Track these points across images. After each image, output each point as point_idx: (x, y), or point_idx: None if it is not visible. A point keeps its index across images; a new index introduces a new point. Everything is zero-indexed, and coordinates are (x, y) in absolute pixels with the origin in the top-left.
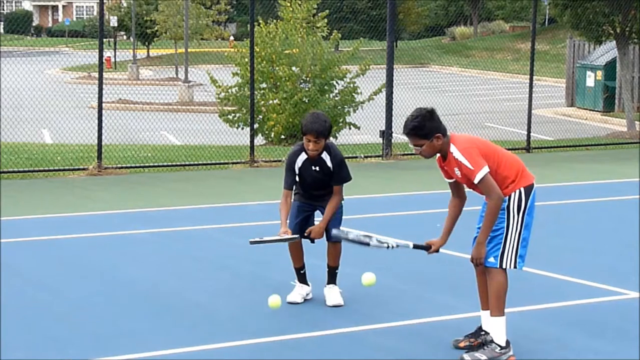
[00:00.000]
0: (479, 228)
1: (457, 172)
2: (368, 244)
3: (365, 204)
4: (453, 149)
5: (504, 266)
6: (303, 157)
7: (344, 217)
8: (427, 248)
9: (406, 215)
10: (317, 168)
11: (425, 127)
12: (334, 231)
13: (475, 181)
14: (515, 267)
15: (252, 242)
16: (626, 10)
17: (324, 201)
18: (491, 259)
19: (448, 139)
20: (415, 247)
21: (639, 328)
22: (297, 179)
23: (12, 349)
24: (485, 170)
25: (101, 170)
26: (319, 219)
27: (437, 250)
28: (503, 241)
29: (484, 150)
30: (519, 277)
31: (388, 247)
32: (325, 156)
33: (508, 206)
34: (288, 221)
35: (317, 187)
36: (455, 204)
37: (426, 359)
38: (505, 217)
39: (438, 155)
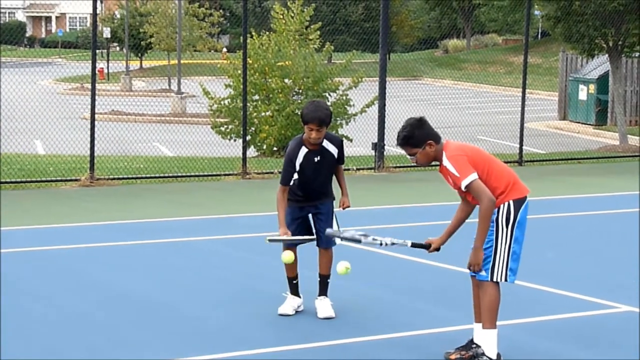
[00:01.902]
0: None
1: (450, 180)
2: (360, 241)
3: (357, 216)
4: (444, 158)
5: (494, 279)
6: (304, 150)
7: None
8: (426, 247)
9: (399, 227)
10: (319, 157)
11: (415, 135)
12: (328, 230)
13: (462, 187)
14: (506, 280)
15: (270, 240)
16: (618, 23)
17: (318, 199)
18: (482, 272)
19: (441, 146)
20: (414, 245)
21: (637, 341)
22: (296, 174)
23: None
24: (473, 177)
25: (93, 181)
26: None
27: (437, 249)
28: (493, 254)
29: (473, 159)
30: (510, 290)
31: (381, 244)
32: (326, 143)
33: (497, 219)
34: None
35: (317, 180)
36: (463, 208)
37: None
38: (494, 229)
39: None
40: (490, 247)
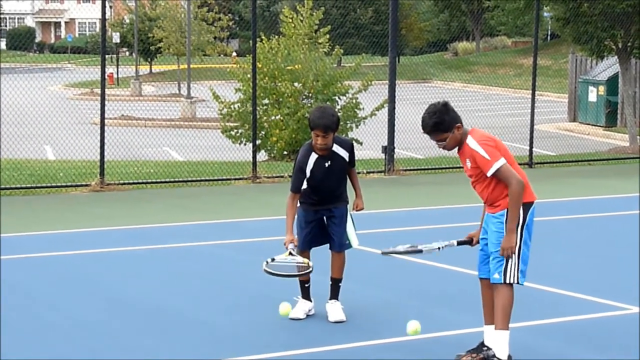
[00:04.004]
0: (484, 242)
1: (468, 164)
2: (421, 251)
3: (368, 219)
4: (470, 139)
5: (508, 281)
6: (314, 157)
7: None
8: (470, 242)
9: (410, 230)
10: (330, 163)
11: (445, 120)
12: (384, 249)
13: (492, 171)
14: (517, 282)
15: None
16: (627, 25)
17: (332, 203)
18: (495, 275)
19: (465, 130)
20: (459, 243)
21: None
22: (307, 181)
23: None
24: (502, 161)
25: (103, 186)
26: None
27: (478, 242)
28: (505, 256)
29: (499, 149)
30: (520, 292)
31: (439, 249)
32: (336, 148)
33: (506, 220)
34: (297, 239)
35: (329, 185)
36: None
37: None
38: (504, 231)
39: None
40: (500, 249)
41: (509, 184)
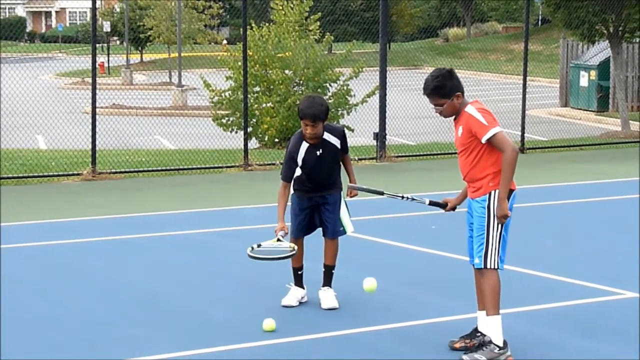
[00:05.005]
0: (470, 227)
1: (460, 131)
2: (382, 193)
3: (359, 206)
4: (469, 107)
5: (488, 266)
6: (305, 145)
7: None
8: (443, 206)
9: (401, 217)
10: (321, 151)
11: (447, 86)
12: (350, 185)
13: (488, 136)
14: (497, 267)
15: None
16: (619, 9)
17: (325, 190)
18: (476, 260)
19: (465, 100)
20: (431, 203)
21: (638, 327)
22: (300, 169)
23: (8, 355)
24: (499, 129)
25: (95, 175)
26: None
27: (453, 209)
28: (485, 241)
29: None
30: (513, 278)
31: (402, 197)
32: (327, 136)
33: (488, 205)
34: (290, 226)
35: (322, 172)
36: None
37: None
38: (486, 216)
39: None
40: (482, 234)
41: (504, 150)
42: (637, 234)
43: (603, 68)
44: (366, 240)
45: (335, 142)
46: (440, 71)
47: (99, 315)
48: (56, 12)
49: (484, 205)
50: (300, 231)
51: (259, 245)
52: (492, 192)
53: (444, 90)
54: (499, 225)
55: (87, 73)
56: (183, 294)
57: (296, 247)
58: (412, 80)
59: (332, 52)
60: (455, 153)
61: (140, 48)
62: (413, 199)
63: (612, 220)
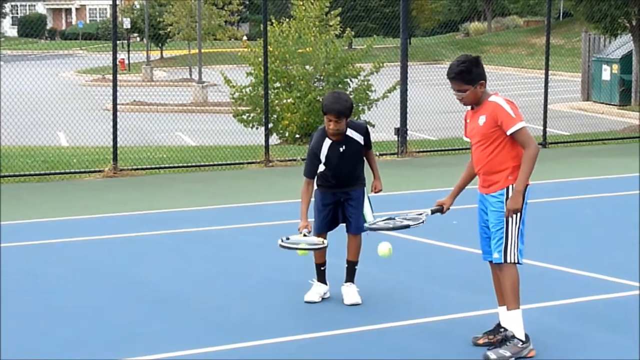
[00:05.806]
0: (484, 224)
1: (481, 121)
2: (408, 226)
3: (381, 201)
4: (496, 97)
5: (508, 261)
6: (328, 142)
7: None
8: (441, 210)
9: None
10: (344, 147)
11: (472, 72)
12: (366, 226)
13: (514, 129)
14: (517, 261)
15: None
16: None
17: (349, 186)
18: (495, 255)
19: (488, 91)
20: (432, 212)
21: None
22: (323, 166)
23: (27, 352)
24: (524, 123)
25: (117, 172)
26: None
27: (449, 208)
28: (504, 236)
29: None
30: (535, 273)
31: (422, 222)
32: (350, 132)
33: (506, 199)
34: (314, 221)
35: (345, 169)
36: (470, 168)
37: (445, 357)
38: (505, 210)
39: (469, 109)
40: (501, 229)
41: (528, 145)
42: None
43: (625, 62)
44: (388, 236)
45: (359, 138)
46: (467, 57)
47: (118, 312)
48: (76, 9)
49: (502, 200)
50: (323, 227)
51: (287, 239)
52: (510, 187)
53: (469, 75)
54: (518, 220)
55: (107, 70)
56: (204, 290)
57: (326, 242)
58: (433, 75)
59: (353, 47)
60: None
61: (160, 44)
62: (426, 216)
63: (635, 215)
